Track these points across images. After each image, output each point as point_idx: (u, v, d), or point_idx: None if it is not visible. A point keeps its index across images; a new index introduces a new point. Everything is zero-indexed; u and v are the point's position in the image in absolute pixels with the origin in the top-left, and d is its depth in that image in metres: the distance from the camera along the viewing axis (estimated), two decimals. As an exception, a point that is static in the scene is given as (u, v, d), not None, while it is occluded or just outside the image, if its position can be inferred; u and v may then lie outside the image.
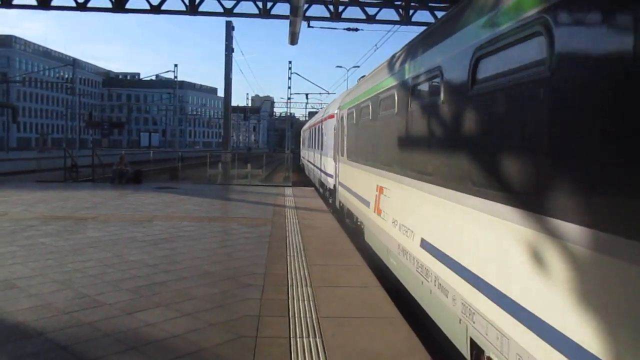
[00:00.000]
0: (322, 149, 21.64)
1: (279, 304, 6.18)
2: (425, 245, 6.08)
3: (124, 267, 7.76)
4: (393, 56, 9.11)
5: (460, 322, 4.91)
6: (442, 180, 5.50)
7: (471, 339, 4.65)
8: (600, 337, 2.90)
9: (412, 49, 7.40)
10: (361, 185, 11.05)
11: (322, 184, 21.72)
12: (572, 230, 3.13)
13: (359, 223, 11.49)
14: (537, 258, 3.52)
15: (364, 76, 14.90)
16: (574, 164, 3.16)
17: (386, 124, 8.49)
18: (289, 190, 21.32)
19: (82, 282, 6.86)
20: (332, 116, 17.86)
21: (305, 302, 6.29)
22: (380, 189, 8.92)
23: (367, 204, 10.21)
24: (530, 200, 3.62)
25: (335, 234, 11.19)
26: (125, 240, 9.82)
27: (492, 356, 4.17)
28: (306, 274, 7.63)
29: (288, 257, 8.74)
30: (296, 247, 9.59)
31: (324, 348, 4.90)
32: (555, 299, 3.28)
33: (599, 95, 2.95)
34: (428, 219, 6.11)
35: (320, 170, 22.32)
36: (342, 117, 14.76)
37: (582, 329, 3.04)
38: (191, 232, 10.82)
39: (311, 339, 5.10)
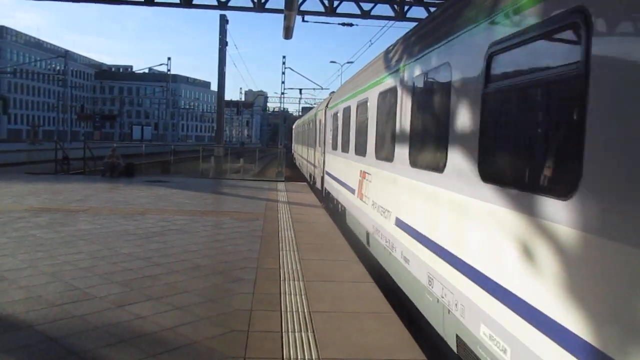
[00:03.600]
0: (292, 141, 55.32)
1: (271, 298, 6.17)
2: (308, 160, 27.94)
3: (115, 260, 7.72)
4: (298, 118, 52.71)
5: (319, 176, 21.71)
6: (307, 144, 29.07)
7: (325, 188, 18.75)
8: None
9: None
10: (299, 148, 39.38)
11: (292, 155, 50.97)
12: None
13: (295, 157, 45.04)
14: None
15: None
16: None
17: (302, 132, 34.23)
18: (281, 185, 21.29)
19: (73, 275, 6.81)
20: (292, 129, 58.54)
21: (298, 296, 6.28)
22: (302, 149, 34.89)
23: (301, 151, 35.80)
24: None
25: (328, 229, 11.19)
26: (116, 233, 9.76)
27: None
28: (298, 268, 7.62)
29: (280, 251, 8.72)
30: (288, 241, 9.58)
31: (315, 342, 4.89)
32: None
33: None
34: (314, 158, 22.96)
35: (292, 148, 53.98)
36: (295, 129, 49.07)
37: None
38: (183, 226, 10.78)
39: (303, 334, 5.10)
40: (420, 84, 6.35)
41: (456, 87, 5.04)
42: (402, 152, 6.93)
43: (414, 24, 19.36)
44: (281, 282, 6.89)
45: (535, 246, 3.43)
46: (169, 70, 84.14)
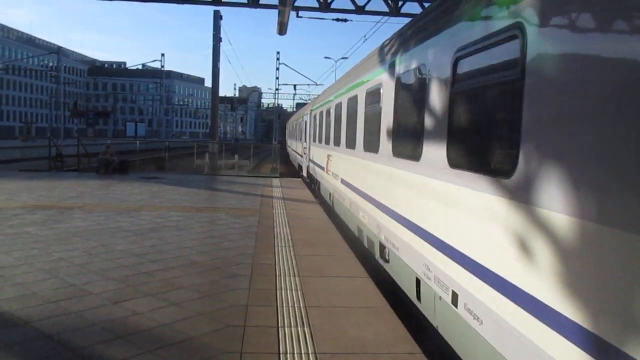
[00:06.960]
0: (286, 136, 63.06)
1: (266, 294, 6.19)
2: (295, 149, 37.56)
3: (110, 256, 7.71)
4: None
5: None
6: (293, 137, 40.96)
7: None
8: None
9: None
10: (290, 140, 48.69)
11: (287, 152, 52.75)
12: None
13: (289, 152, 48.36)
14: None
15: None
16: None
17: (293, 129, 42.08)
18: (276, 181, 21.29)
19: (68, 271, 6.81)
20: (285, 126, 70.04)
21: (293, 291, 6.31)
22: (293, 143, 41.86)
23: (294, 144, 39.93)
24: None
25: (323, 225, 11.22)
26: (111, 229, 9.75)
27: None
28: (294, 263, 7.65)
29: (276, 247, 8.75)
30: (284, 237, 9.60)
31: (312, 337, 4.92)
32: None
33: None
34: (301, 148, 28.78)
35: (285, 142, 59.45)
36: (288, 125, 57.48)
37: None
38: (178, 222, 10.78)
39: (299, 328, 5.13)
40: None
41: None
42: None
43: (408, 19, 19.36)
44: (277, 277, 6.91)
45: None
46: (162, 66, 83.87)
